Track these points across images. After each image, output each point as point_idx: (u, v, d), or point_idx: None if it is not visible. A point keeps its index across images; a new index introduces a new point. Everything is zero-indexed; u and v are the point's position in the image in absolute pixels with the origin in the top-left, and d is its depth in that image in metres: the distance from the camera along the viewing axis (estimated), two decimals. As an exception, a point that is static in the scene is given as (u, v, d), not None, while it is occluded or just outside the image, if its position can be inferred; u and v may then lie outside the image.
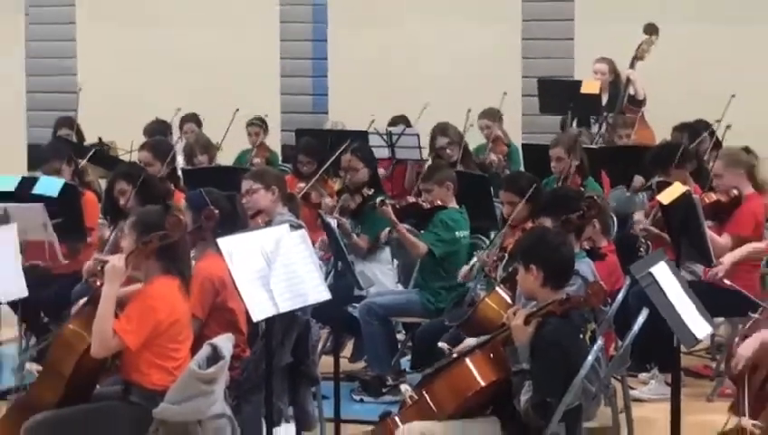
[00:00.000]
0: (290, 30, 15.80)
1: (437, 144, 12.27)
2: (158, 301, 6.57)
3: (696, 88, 12.78)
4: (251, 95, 14.33)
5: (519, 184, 9.08)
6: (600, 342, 6.55)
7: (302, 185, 10.69)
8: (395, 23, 14.51)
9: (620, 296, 6.97)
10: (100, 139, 12.65)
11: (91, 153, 11.98)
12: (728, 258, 8.89)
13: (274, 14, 15.44)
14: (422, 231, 9.69)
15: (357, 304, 9.27)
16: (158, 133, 12.76)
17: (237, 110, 13.25)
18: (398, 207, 10.06)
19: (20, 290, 7.72)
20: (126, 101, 13.58)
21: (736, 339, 7.98)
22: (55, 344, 7.03)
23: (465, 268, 9.07)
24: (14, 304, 8.67)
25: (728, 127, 11.59)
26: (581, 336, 6.48)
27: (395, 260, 10.24)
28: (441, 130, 12.39)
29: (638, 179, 10.27)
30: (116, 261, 6.69)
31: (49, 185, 10.11)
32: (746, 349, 6.69)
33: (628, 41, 12.92)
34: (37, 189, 10.02)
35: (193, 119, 13.45)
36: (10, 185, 10.21)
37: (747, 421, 6.53)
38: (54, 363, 6.88)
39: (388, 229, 9.98)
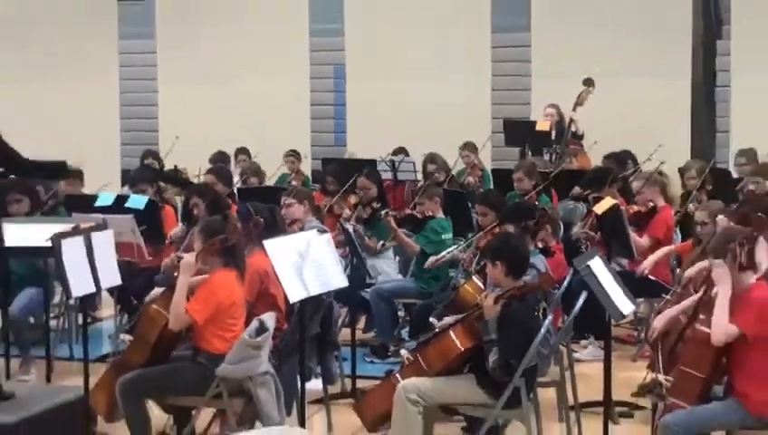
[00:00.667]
0: (318, 84, 15.80)
1: (428, 169, 12.33)
2: (220, 288, 6.63)
3: (621, 125, 12.74)
4: (288, 133, 14.32)
5: (490, 199, 9.12)
6: (549, 317, 6.57)
7: (326, 200, 10.73)
8: (397, 77, 14.47)
9: (565, 283, 7.01)
10: (175, 166, 12.64)
11: (168, 177, 12.03)
12: (650, 260, 8.92)
13: (306, 72, 15.43)
14: (416, 235, 9.74)
15: (368, 290, 9.27)
16: (219, 161, 12.79)
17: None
18: (398, 217, 10.10)
19: (115, 280, 7.76)
20: (195, 137, 13.53)
21: (653, 314, 8.06)
22: (142, 320, 7.08)
23: (432, 259, 9.13)
24: (111, 291, 8.77)
25: (662, 163, 11.62)
26: (536, 313, 6.52)
27: (397, 256, 10.25)
28: (431, 158, 12.42)
29: (577, 190, 10.29)
30: (189, 258, 6.76)
31: (137, 201, 10.16)
32: (659, 322, 6.74)
33: (572, 91, 12.92)
34: (128, 204, 10.08)
35: (245, 151, 13.44)
36: (108, 201, 10.28)
37: (661, 377, 6.57)
38: (142, 334, 6.93)
39: (381, 242, 10.07)
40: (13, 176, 9.20)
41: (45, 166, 7.71)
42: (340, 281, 7.32)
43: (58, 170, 7.75)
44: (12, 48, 14.01)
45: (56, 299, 9.37)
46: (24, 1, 14.69)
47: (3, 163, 7.53)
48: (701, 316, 6.14)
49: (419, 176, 12.50)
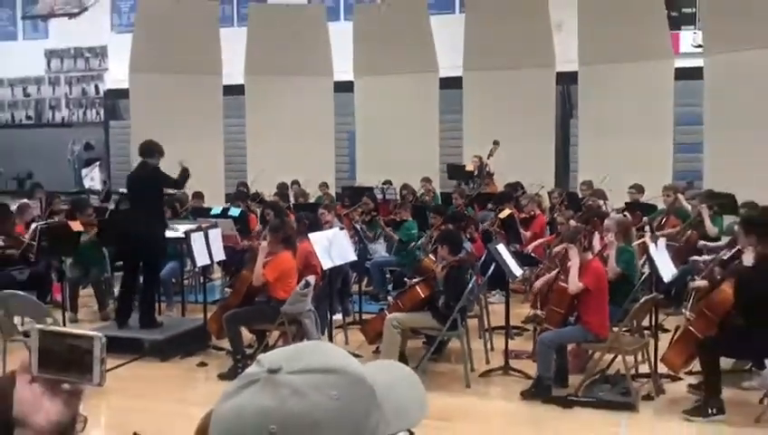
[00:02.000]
0: (338, 138, 15.79)
1: (403, 193, 12.32)
2: (282, 261, 6.62)
3: (514, 168, 12.71)
4: (321, 171, 14.32)
5: (439, 210, 9.13)
6: (474, 278, 6.61)
7: (344, 210, 10.72)
8: (387, 143, 14.44)
9: (483, 258, 7.03)
10: (256, 190, 12.63)
11: (252, 197, 12.04)
12: (533, 245, 8.93)
13: (332, 136, 15.45)
14: (396, 231, 9.75)
15: (369, 262, 9.29)
16: (281, 188, 12.77)
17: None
18: (386, 220, 10.14)
19: (221, 256, 7.76)
20: (268, 172, 13.51)
21: (532, 276, 8.09)
22: (238, 280, 7.08)
23: (413, 244, 9.14)
24: (219, 262, 8.76)
25: (542, 187, 11.72)
26: (466, 275, 6.55)
27: (385, 243, 10.24)
28: (404, 186, 12.41)
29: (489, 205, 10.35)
30: (264, 244, 6.77)
31: (234, 211, 10.17)
32: (538, 284, 6.79)
33: (486, 147, 12.92)
34: (230, 213, 10.09)
35: (296, 182, 13.39)
36: (218, 211, 10.30)
37: (538, 312, 6.59)
38: (238, 287, 6.93)
39: (375, 234, 10.08)
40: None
41: (180, 179, 7.76)
42: (352, 256, 7.37)
43: (185, 174, 7.82)
44: (160, 122, 13.94)
45: (188, 267, 9.35)
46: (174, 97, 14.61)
47: (166, 184, 7.57)
48: (561, 277, 6.18)
49: (398, 197, 12.48)
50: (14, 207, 9.96)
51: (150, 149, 7.39)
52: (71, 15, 16.58)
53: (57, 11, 16.85)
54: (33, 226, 8.55)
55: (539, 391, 5.77)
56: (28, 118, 21.94)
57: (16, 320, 6.56)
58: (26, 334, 6.20)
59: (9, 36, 21.87)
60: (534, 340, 6.53)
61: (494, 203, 10.74)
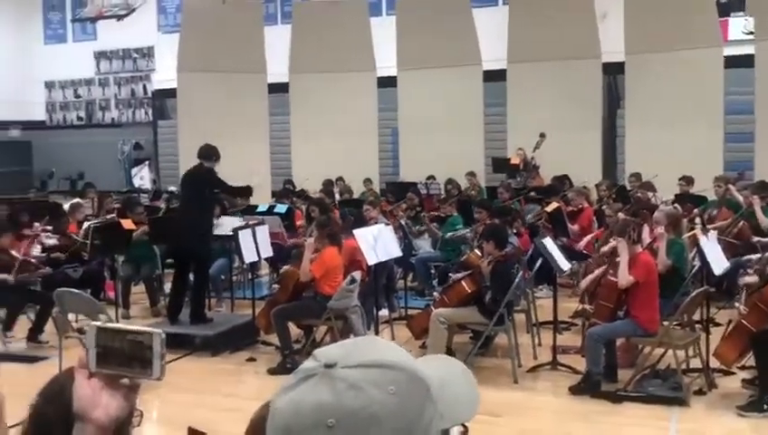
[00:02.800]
0: (382, 134, 15.74)
1: (447, 188, 12.31)
2: (328, 257, 6.67)
3: (561, 161, 12.60)
4: (366, 168, 14.38)
5: (484, 204, 9.10)
6: (520, 272, 6.57)
7: (389, 206, 10.74)
8: (429, 135, 14.39)
9: (530, 253, 6.98)
10: (302, 188, 12.73)
11: (298, 194, 12.13)
12: (584, 242, 8.82)
13: (375, 132, 15.45)
14: (441, 226, 9.73)
15: (413, 257, 9.29)
16: (327, 185, 12.86)
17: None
18: (429, 215, 10.13)
19: (269, 252, 7.84)
20: (313, 170, 13.60)
21: (580, 271, 8.01)
22: (284, 276, 7.15)
23: (451, 234, 9.10)
24: (266, 259, 8.85)
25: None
26: (513, 270, 6.51)
27: (430, 238, 10.21)
28: (449, 181, 12.42)
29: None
30: (310, 240, 6.82)
31: (281, 208, 10.27)
32: (585, 282, 6.72)
33: (532, 140, 12.84)
34: (276, 210, 10.19)
35: (341, 179, 13.48)
36: (264, 208, 10.40)
37: (587, 306, 6.53)
38: (285, 284, 6.99)
39: (419, 230, 10.07)
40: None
41: (240, 190, 7.94)
42: (397, 252, 7.38)
43: (247, 192, 7.99)
44: (207, 121, 14.09)
45: (236, 264, 9.46)
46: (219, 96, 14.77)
47: (218, 188, 7.70)
48: (610, 271, 6.11)
49: (443, 192, 12.44)
50: (66, 206, 10.21)
51: (208, 153, 7.53)
52: (119, 17, 16.85)
53: (105, 13, 17.14)
54: (86, 224, 8.75)
55: (588, 386, 5.72)
56: (79, 119, 22.37)
57: (71, 317, 6.73)
58: (81, 331, 6.36)
59: (59, 39, 22.33)
60: (583, 335, 6.47)
61: (540, 196, 10.65)
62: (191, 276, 7.74)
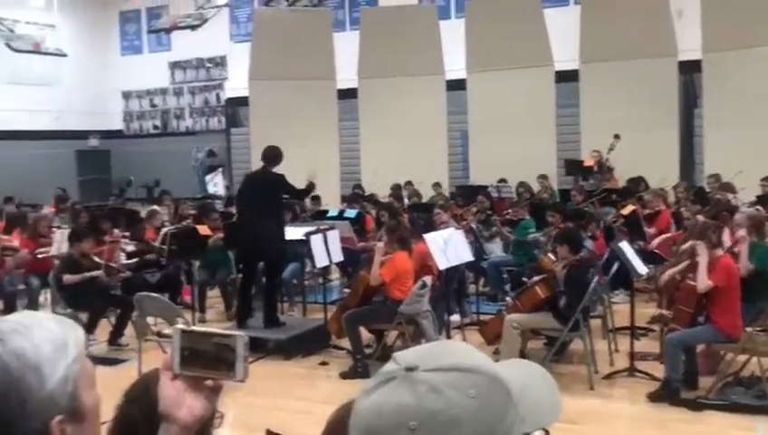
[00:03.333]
0: (451, 137, 15.72)
1: (519, 191, 12.20)
2: (399, 261, 6.68)
3: (636, 162, 12.35)
4: (435, 171, 14.36)
5: (557, 207, 8.98)
6: (596, 277, 6.46)
7: (459, 210, 10.69)
8: (500, 135, 14.29)
9: (605, 257, 6.85)
10: (371, 193, 12.77)
11: (367, 199, 12.19)
12: (656, 242, 8.62)
13: (444, 131, 15.36)
14: (513, 229, 9.63)
15: (485, 261, 9.22)
16: (395, 189, 12.89)
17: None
18: (500, 219, 10.04)
19: (340, 257, 7.90)
20: (382, 175, 13.67)
21: (658, 274, 7.80)
22: (355, 280, 7.20)
23: (525, 237, 9.01)
24: (337, 263, 8.87)
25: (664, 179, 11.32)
26: (588, 275, 6.41)
27: (502, 242, 10.12)
28: (520, 184, 12.31)
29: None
30: (380, 244, 6.85)
31: (351, 213, 10.34)
32: (663, 279, 6.56)
33: (605, 141, 12.61)
34: (346, 214, 10.27)
35: (410, 183, 13.45)
36: (335, 213, 10.49)
37: (665, 311, 6.37)
38: (355, 288, 7.06)
39: (491, 233, 9.96)
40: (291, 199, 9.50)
41: (305, 190, 7.99)
42: (468, 256, 7.33)
43: (310, 189, 8.04)
44: (278, 128, 14.33)
45: (308, 268, 9.56)
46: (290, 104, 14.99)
47: (288, 193, 7.78)
48: (689, 275, 5.95)
49: (514, 195, 12.33)
50: (143, 213, 10.51)
51: (274, 156, 7.59)
52: (192, 27, 17.26)
53: (179, 24, 17.57)
54: (163, 230, 8.99)
55: (667, 394, 5.58)
56: (155, 128, 23.05)
57: (149, 320, 6.92)
58: (159, 334, 6.54)
59: (136, 50, 23.06)
60: (661, 341, 6.31)
61: (615, 199, 10.45)
62: (263, 281, 7.85)
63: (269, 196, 7.54)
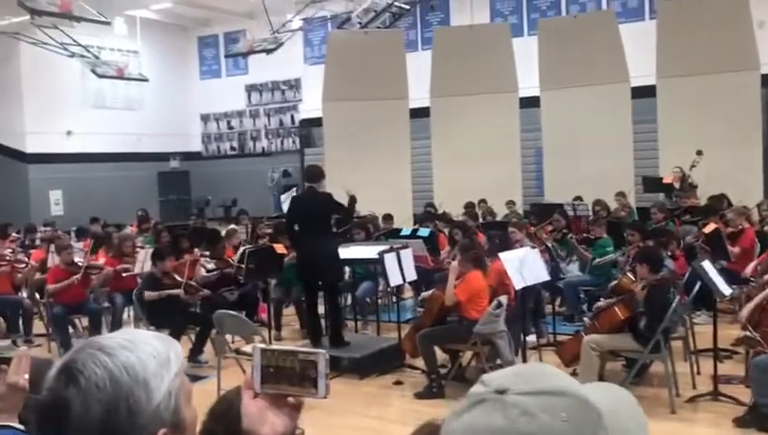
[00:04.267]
0: (525, 154, 15.57)
1: (595, 209, 11.95)
2: (473, 281, 6.61)
3: (717, 179, 11.97)
4: (508, 189, 14.21)
5: (637, 226, 8.76)
6: (677, 297, 6.27)
7: (534, 229, 10.53)
8: (575, 156, 14.08)
9: (687, 277, 6.66)
10: (444, 211, 12.72)
11: (440, 217, 12.15)
12: (749, 269, 8.28)
13: (517, 149, 15.17)
14: (590, 249, 9.44)
15: (561, 281, 9.06)
16: (469, 207, 12.80)
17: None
18: (578, 238, 9.86)
19: (413, 276, 7.87)
20: (455, 194, 13.59)
21: (741, 295, 7.53)
22: (429, 299, 7.17)
23: (599, 260, 8.82)
24: (410, 282, 8.84)
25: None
26: (668, 295, 6.23)
27: (579, 261, 9.92)
28: (597, 202, 12.06)
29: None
30: (455, 263, 6.81)
31: (424, 232, 10.32)
32: (747, 309, 6.32)
33: (685, 157, 12.28)
34: (419, 233, 10.25)
35: (484, 201, 13.29)
36: (408, 232, 10.49)
37: (751, 333, 6.14)
38: (429, 307, 7.02)
39: (567, 253, 9.76)
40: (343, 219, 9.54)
41: (351, 206, 8.00)
42: (544, 275, 7.19)
43: (353, 203, 8.02)
44: (351, 148, 14.47)
45: (381, 287, 9.58)
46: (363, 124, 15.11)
47: (337, 211, 7.81)
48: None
49: (591, 213, 12.09)
50: (223, 232, 10.74)
51: (318, 175, 7.65)
52: (268, 51, 17.69)
53: (256, 48, 18.05)
54: (242, 249, 9.16)
55: (754, 419, 5.36)
56: (232, 149, 23.65)
57: (227, 337, 7.05)
58: (238, 352, 6.65)
59: (214, 74, 23.76)
60: (747, 363, 6.07)
61: (696, 217, 10.14)
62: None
63: (321, 216, 7.56)
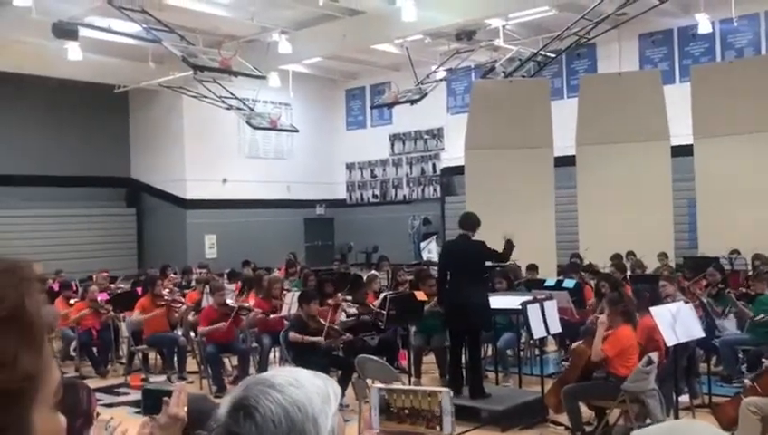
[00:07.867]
0: (677, 205, 14.87)
1: (755, 263, 11.18)
2: (622, 336, 6.37)
3: None
4: (659, 242, 13.59)
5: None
6: None
7: (686, 283, 9.98)
8: (729, 205, 13.31)
9: None
10: (590, 262, 12.26)
11: (586, 268, 11.77)
12: None
13: (669, 199, 14.46)
14: (750, 305, 8.84)
15: (717, 339, 8.52)
16: (616, 259, 12.30)
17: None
18: (735, 293, 9.25)
19: (557, 328, 7.63)
20: (599, 243, 13.16)
21: None
22: (575, 354, 6.94)
23: (761, 316, 8.22)
24: (554, 335, 8.59)
25: None
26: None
27: (736, 319, 9.27)
28: (756, 256, 11.29)
29: None
30: (603, 317, 6.57)
31: (569, 283, 10.03)
32: None
33: None
34: (564, 284, 9.96)
35: (632, 253, 12.76)
36: (552, 283, 10.20)
37: None
38: (575, 362, 6.80)
39: (723, 309, 9.14)
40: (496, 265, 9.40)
41: (505, 252, 7.83)
42: (699, 332, 6.82)
43: (510, 248, 7.87)
44: (493, 196, 14.33)
45: (523, 338, 9.36)
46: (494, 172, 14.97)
47: (490, 258, 7.75)
48: None
49: (749, 267, 11.35)
50: (365, 277, 10.91)
51: (472, 222, 7.64)
52: (412, 102, 18.04)
53: (400, 99, 18.44)
54: (383, 295, 9.26)
55: None
56: (374, 196, 24.14)
57: (368, 382, 7.09)
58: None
59: (360, 125, 24.48)
60: None
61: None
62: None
63: (473, 263, 7.55)
